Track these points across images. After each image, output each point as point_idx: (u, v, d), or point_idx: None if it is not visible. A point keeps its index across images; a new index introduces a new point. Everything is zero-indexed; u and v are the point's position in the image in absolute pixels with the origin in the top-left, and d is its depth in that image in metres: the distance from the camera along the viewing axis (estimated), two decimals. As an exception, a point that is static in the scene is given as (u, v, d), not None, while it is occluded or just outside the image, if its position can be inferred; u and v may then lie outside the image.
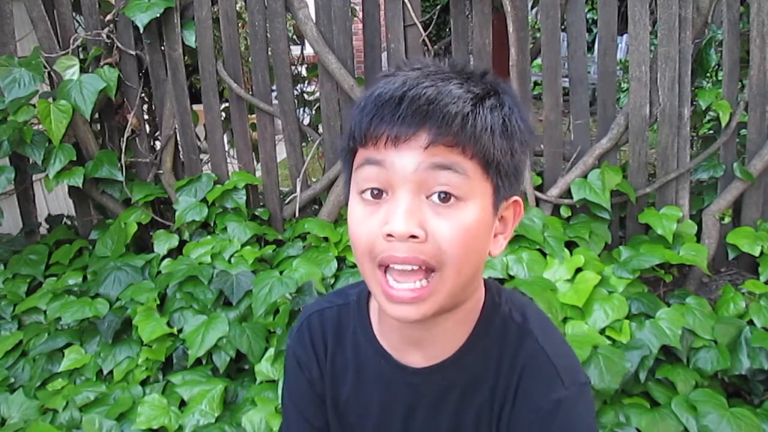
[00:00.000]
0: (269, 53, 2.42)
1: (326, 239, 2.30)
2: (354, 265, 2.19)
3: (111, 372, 2.03)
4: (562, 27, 2.28)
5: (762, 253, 2.08)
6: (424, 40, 2.30)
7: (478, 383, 0.77)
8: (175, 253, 2.39)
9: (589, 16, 5.68)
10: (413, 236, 0.63)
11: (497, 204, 0.68)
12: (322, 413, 0.85)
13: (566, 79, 2.33)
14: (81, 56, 2.45)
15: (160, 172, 2.58)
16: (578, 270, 2.00)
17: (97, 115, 2.55)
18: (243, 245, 2.31)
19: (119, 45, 2.43)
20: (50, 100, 2.24)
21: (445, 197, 0.63)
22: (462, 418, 0.77)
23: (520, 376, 0.75)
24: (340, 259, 2.24)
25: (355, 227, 0.68)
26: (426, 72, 0.66)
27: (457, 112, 0.62)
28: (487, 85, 0.67)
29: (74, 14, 2.48)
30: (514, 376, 0.75)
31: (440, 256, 0.64)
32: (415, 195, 0.63)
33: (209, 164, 2.63)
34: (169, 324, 2.06)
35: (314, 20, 2.33)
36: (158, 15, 2.27)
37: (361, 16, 2.38)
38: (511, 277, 2.02)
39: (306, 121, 2.84)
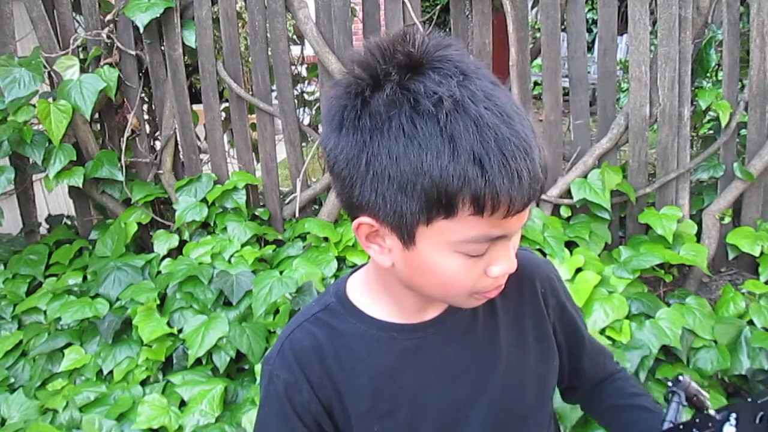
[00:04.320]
0: (269, 53, 2.42)
1: (326, 239, 2.30)
2: (354, 265, 2.19)
3: (111, 372, 2.03)
4: (562, 27, 2.28)
5: (762, 253, 2.08)
6: (424, 40, 2.30)
7: (499, 302, 0.79)
8: (175, 253, 2.39)
9: (589, 16, 5.68)
10: None
11: None
12: None
13: (566, 79, 2.33)
14: (81, 56, 2.44)
15: (160, 172, 2.58)
16: (578, 270, 2.00)
17: (97, 115, 2.55)
18: (243, 245, 2.31)
19: (119, 45, 2.43)
20: (50, 100, 2.24)
21: None
22: (502, 330, 0.80)
23: (540, 278, 0.84)
24: (340, 259, 2.24)
25: (453, 281, 0.67)
26: (495, 107, 0.60)
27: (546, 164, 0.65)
28: None
29: (74, 14, 2.48)
30: (532, 280, 0.83)
31: None
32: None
33: (209, 164, 2.63)
34: (169, 324, 2.06)
35: (314, 20, 2.33)
36: (158, 15, 2.27)
37: (361, 16, 2.38)
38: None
39: (306, 121, 2.84)
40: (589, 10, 5.22)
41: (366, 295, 0.79)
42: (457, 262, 0.64)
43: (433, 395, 0.77)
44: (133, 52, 2.44)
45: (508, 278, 0.71)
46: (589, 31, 5.11)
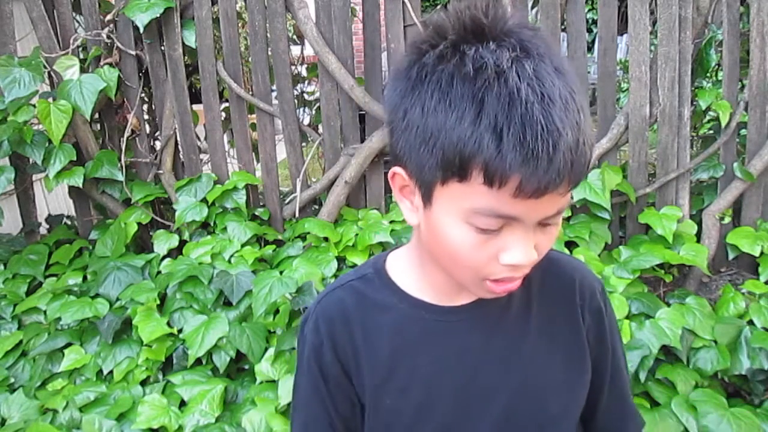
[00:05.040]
0: (269, 53, 2.42)
1: (326, 239, 2.30)
2: (354, 265, 2.19)
3: (111, 372, 2.03)
4: (562, 27, 2.28)
5: (762, 253, 2.08)
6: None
7: (535, 299, 0.77)
8: (175, 253, 2.39)
9: (589, 16, 5.68)
10: None
11: None
12: (345, 398, 0.79)
13: (566, 79, 2.33)
14: (81, 56, 2.44)
15: (160, 172, 2.58)
16: (578, 270, 2.00)
17: (97, 115, 2.55)
18: (243, 245, 2.31)
19: (119, 45, 2.43)
20: (50, 100, 2.24)
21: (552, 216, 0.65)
22: (533, 330, 0.77)
23: (580, 287, 0.80)
24: (340, 259, 2.23)
25: (462, 253, 0.65)
26: (539, 87, 0.58)
27: (591, 154, 0.62)
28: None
29: (74, 14, 2.48)
30: (572, 286, 0.80)
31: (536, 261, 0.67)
32: (533, 225, 0.64)
33: (209, 164, 2.63)
34: (169, 324, 2.06)
35: (314, 20, 2.33)
36: (158, 15, 2.27)
37: (361, 16, 2.38)
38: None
39: (306, 121, 2.84)
40: (589, 10, 5.23)
41: (403, 270, 0.80)
42: (468, 234, 0.63)
43: (448, 382, 0.76)
44: (133, 52, 2.44)
45: (549, 278, 0.70)
46: (589, 31, 5.12)
